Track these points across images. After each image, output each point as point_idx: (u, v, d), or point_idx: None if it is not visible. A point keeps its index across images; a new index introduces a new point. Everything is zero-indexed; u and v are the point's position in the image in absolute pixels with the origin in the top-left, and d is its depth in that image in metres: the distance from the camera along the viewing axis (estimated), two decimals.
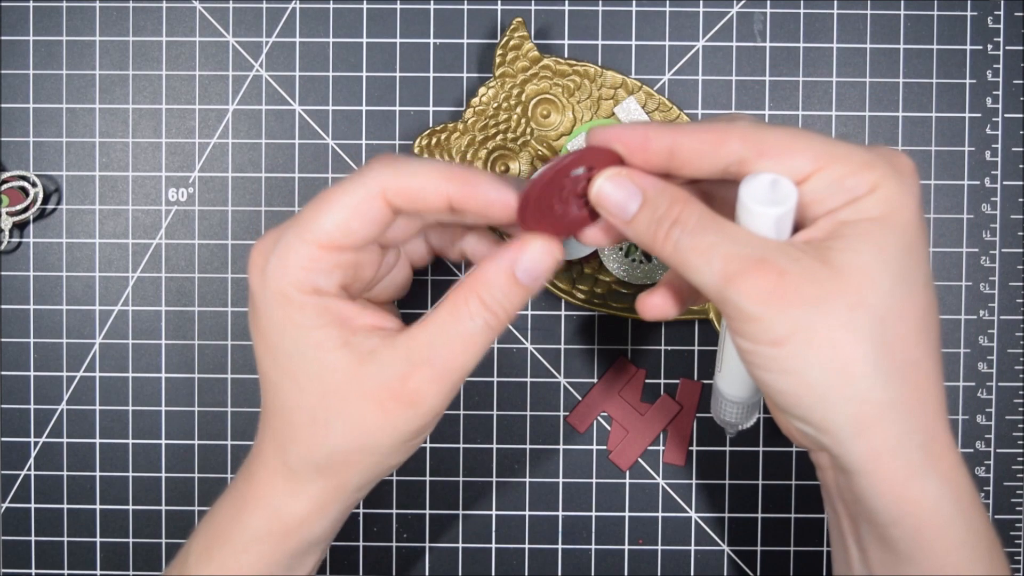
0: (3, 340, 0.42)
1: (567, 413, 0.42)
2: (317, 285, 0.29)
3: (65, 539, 0.42)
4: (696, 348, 0.41)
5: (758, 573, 0.41)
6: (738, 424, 0.36)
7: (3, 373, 0.42)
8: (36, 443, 0.42)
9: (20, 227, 0.42)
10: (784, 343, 0.25)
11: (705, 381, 0.41)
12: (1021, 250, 0.41)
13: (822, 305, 0.25)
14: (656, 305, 0.31)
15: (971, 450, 0.41)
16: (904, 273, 0.26)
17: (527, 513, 0.42)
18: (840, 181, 0.26)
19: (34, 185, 0.41)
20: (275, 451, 0.31)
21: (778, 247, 0.26)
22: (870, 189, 0.26)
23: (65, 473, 0.42)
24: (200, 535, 0.32)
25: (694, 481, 0.42)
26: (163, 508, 0.42)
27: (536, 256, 0.28)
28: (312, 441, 0.30)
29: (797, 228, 0.27)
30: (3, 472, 0.42)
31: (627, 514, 0.42)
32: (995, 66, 0.41)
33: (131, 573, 0.42)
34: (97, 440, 0.42)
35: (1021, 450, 0.41)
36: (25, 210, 0.41)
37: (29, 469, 0.42)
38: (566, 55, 0.41)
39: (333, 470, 0.30)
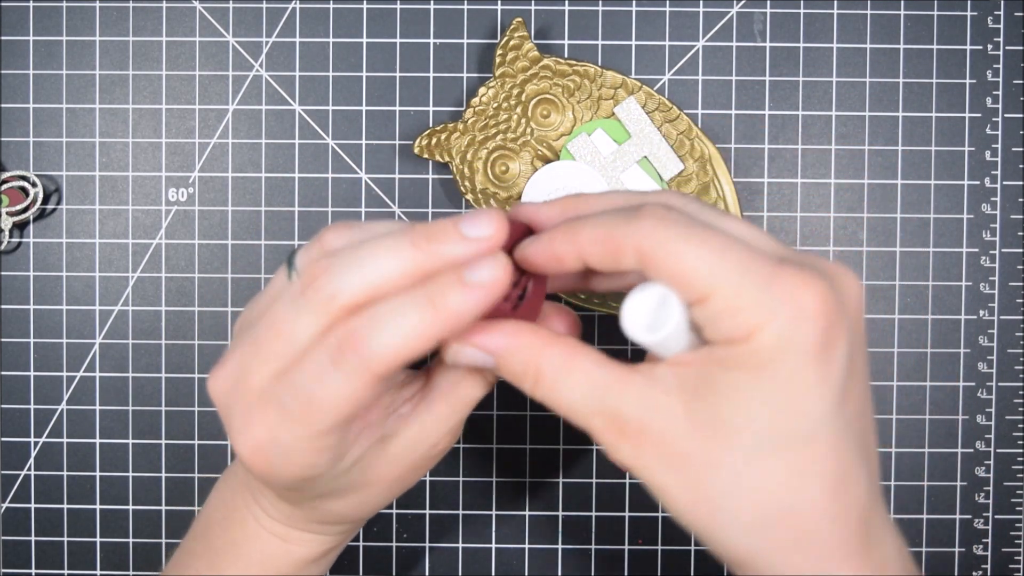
0: (3, 340, 0.42)
1: None
2: (330, 455, 0.27)
3: (65, 539, 0.42)
4: None
5: None
6: None
7: (3, 373, 0.42)
8: (36, 443, 0.42)
9: (20, 227, 0.42)
10: (652, 488, 0.25)
11: None
12: (1021, 250, 0.41)
13: (682, 470, 0.24)
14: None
15: (971, 450, 0.41)
16: (772, 432, 0.24)
17: (527, 513, 0.42)
18: (720, 317, 0.23)
19: (34, 185, 0.41)
20: (272, 508, 0.32)
21: (639, 393, 0.25)
22: (746, 335, 0.23)
23: (65, 473, 0.42)
24: (200, 556, 0.33)
25: None
26: (163, 508, 0.42)
27: (467, 353, 0.27)
28: (335, 509, 0.30)
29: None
30: (3, 472, 0.42)
31: (627, 514, 0.42)
32: (995, 66, 0.41)
33: (131, 573, 0.42)
34: (97, 440, 0.42)
35: (1021, 450, 0.41)
36: (25, 210, 0.41)
37: (29, 469, 0.42)
38: (566, 55, 0.41)
39: (366, 508, 0.31)
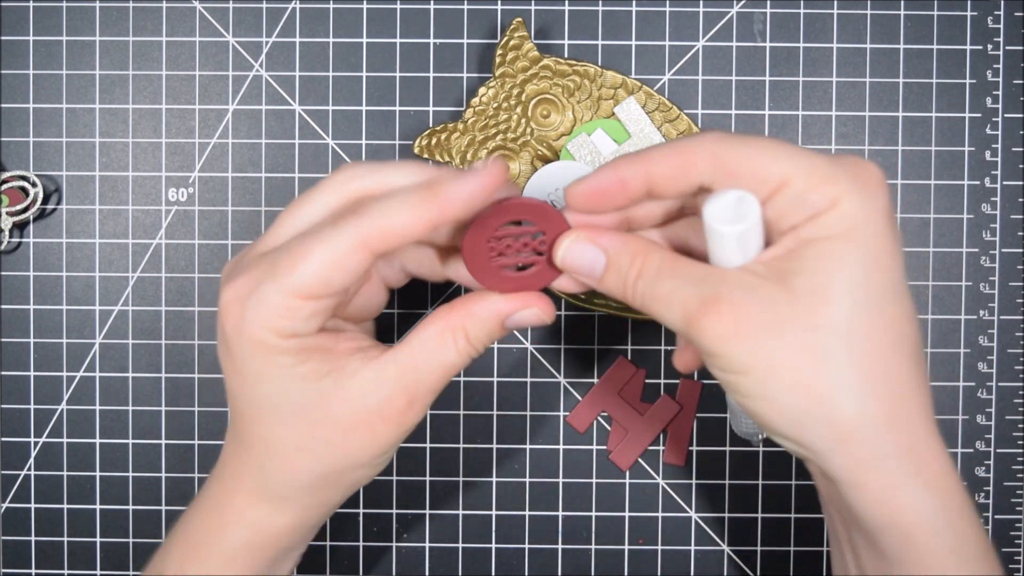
0: (3, 340, 0.42)
1: (567, 413, 0.42)
2: (296, 330, 0.29)
3: (65, 539, 0.42)
4: None
5: (758, 573, 0.41)
6: (757, 433, 0.36)
7: (3, 373, 0.42)
8: (36, 443, 0.42)
9: (20, 227, 0.42)
10: (748, 373, 0.26)
11: (705, 381, 0.41)
12: (1021, 250, 0.41)
13: (780, 331, 0.25)
14: (688, 361, 0.32)
15: (971, 450, 0.41)
16: (869, 289, 0.26)
17: (527, 513, 0.42)
18: (802, 196, 0.26)
19: (34, 185, 0.41)
20: (253, 476, 0.31)
21: (735, 278, 0.26)
22: (831, 204, 0.25)
23: (65, 473, 0.42)
24: (175, 546, 0.33)
25: (694, 481, 0.42)
26: (163, 508, 0.42)
27: (528, 316, 0.30)
28: (298, 467, 0.30)
29: (769, 243, 0.27)
30: (3, 472, 0.42)
31: (627, 514, 0.42)
32: (995, 66, 0.41)
33: (131, 573, 0.42)
34: (97, 440, 0.42)
35: (1021, 450, 0.41)
36: (25, 210, 0.41)
37: (29, 469, 0.42)
38: (566, 55, 0.41)
39: (319, 489, 0.31)
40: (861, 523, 0.27)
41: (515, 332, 0.41)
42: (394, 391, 0.29)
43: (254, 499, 0.31)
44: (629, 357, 0.41)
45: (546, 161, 0.40)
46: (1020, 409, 0.41)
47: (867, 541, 0.27)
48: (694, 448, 0.42)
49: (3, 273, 0.42)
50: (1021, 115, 0.41)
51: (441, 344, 0.30)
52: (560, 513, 0.42)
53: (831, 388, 0.25)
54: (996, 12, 0.41)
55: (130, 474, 0.42)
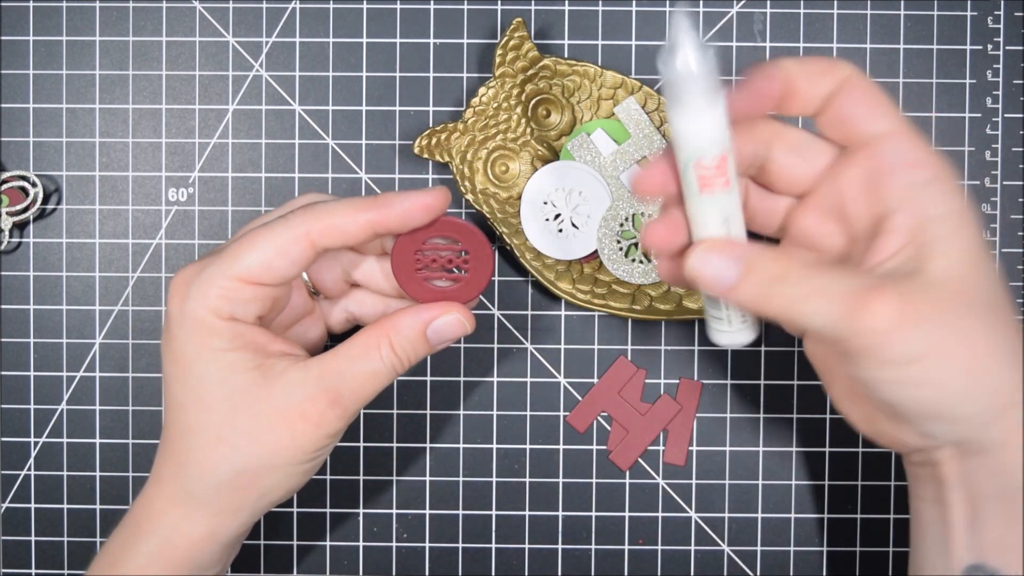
0: (3, 340, 0.42)
1: (567, 413, 0.42)
2: (234, 314, 0.30)
3: (65, 539, 0.42)
4: (696, 348, 0.41)
5: (758, 573, 0.41)
6: (744, 330, 0.32)
7: (3, 373, 0.42)
8: (36, 443, 0.42)
9: (20, 227, 0.42)
10: (921, 359, 0.26)
11: (705, 381, 0.41)
12: (1021, 250, 0.41)
13: (943, 315, 0.26)
14: (673, 271, 0.31)
15: None
16: (983, 260, 0.27)
17: (527, 513, 0.42)
18: (904, 155, 0.27)
19: (34, 185, 0.41)
20: (174, 475, 0.32)
21: (882, 271, 0.27)
22: (931, 179, 0.27)
23: (65, 473, 0.42)
24: (97, 562, 0.33)
25: (694, 481, 0.42)
26: None
27: (450, 323, 0.32)
28: (216, 459, 0.31)
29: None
30: (3, 472, 0.42)
31: (627, 514, 0.42)
32: (995, 66, 0.41)
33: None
34: (97, 440, 0.42)
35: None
36: (25, 210, 0.41)
37: (29, 469, 0.42)
38: (566, 55, 0.41)
39: (232, 490, 0.31)
40: (1009, 490, 0.28)
41: (514, 332, 0.41)
42: (315, 391, 0.31)
43: (170, 502, 0.32)
44: (629, 357, 0.41)
45: (546, 161, 0.40)
46: None
47: (1002, 513, 0.28)
48: (694, 448, 0.42)
49: (3, 273, 0.42)
50: (1021, 115, 0.41)
51: (365, 351, 0.31)
52: (560, 513, 0.42)
53: (997, 360, 0.27)
54: (996, 12, 0.41)
55: (130, 474, 0.42)
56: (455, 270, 0.32)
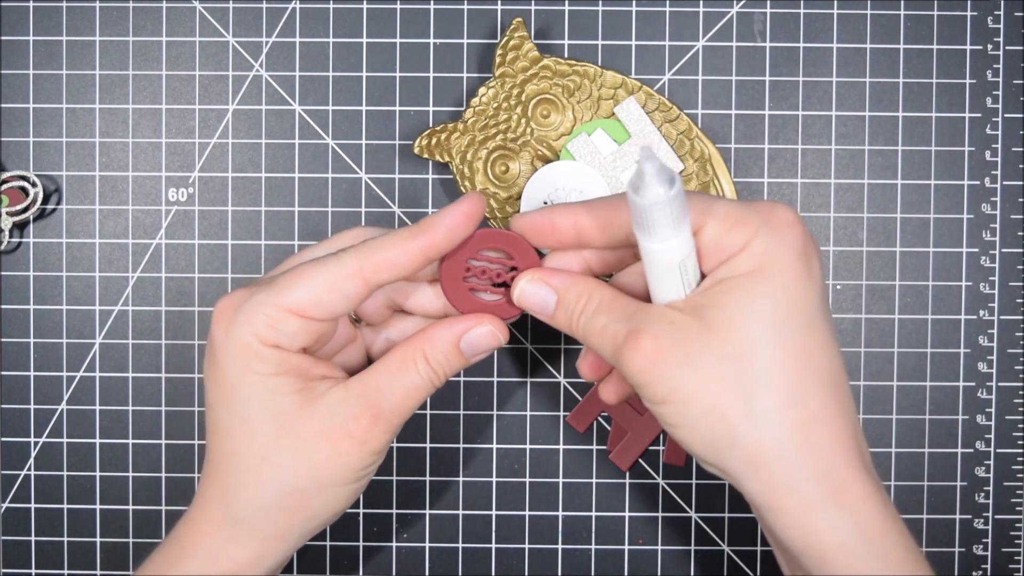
0: (3, 340, 0.42)
1: (567, 413, 0.42)
2: (279, 342, 0.30)
3: (65, 539, 0.42)
4: None
5: (758, 573, 0.41)
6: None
7: (3, 373, 0.42)
8: (36, 443, 0.42)
9: (20, 227, 0.42)
10: (667, 402, 0.28)
11: None
12: (1021, 250, 0.41)
13: (694, 362, 0.27)
14: (591, 366, 0.34)
15: (971, 450, 0.41)
16: (777, 322, 0.27)
17: (527, 513, 0.42)
18: (716, 241, 0.28)
19: (34, 185, 0.41)
20: (219, 499, 0.32)
21: (658, 313, 0.28)
22: (742, 245, 0.27)
23: (65, 473, 0.42)
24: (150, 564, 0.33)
25: (694, 481, 0.42)
26: (163, 508, 0.42)
27: (483, 335, 0.32)
28: (262, 481, 0.31)
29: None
30: (3, 472, 0.42)
31: (627, 514, 0.42)
32: (995, 66, 0.41)
33: (131, 573, 0.42)
34: (97, 440, 0.42)
35: (1021, 450, 0.41)
36: (25, 210, 0.41)
37: (29, 469, 0.42)
38: (566, 55, 0.41)
39: (279, 513, 0.31)
40: (783, 546, 0.28)
41: (514, 332, 0.41)
42: (358, 408, 0.31)
43: (215, 526, 0.32)
44: None
45: (546, 161, 0.40)
46: (1020, 409, 0.41)
47: (794, 563, 0.29)
48: None
49: (3, 273, 0.42)
50: (1021, 115, 0.41)
51: (403, 366, 0.31)
52: (560, 513, 0.42)
53: (742, 414, 0.27)
54: (996, 12, 0.41)
55: (130, 474, 0.42)
56: (505, 285, 0.32)
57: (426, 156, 0.40)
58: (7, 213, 0.41)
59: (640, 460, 0.42)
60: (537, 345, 0.42)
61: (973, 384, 0.41)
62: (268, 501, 0.31)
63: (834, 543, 0.27)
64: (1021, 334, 0.41)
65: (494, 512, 0.42)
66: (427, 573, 0.42)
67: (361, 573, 0.42)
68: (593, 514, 0.42)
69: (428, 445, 0.42)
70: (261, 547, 0.32)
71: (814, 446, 0.27)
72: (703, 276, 0.29)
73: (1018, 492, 0.41)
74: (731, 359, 0.27)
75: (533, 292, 0.31)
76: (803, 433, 0.27)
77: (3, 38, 0.41)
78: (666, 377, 0.27)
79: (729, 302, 0.27)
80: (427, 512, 0.42)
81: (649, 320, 0.28)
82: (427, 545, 0.42)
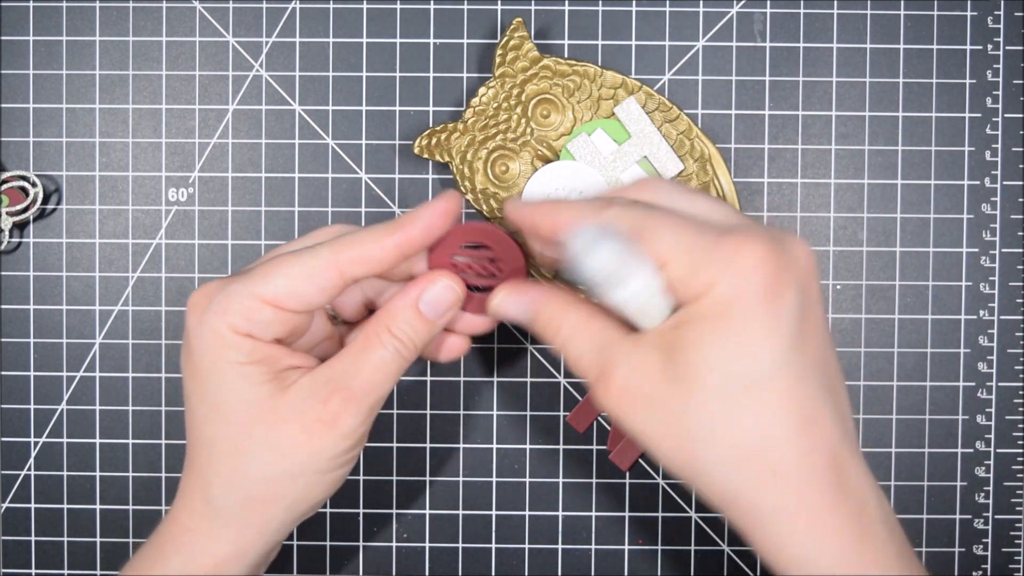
0: (3, 340, 0.42)
1: (567, 413, 0.42)
2: (252, 332, 0.30)
3: (65, 539, 0.42)
4: None
5: (757, 573, 0.41)
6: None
7: (3, 373, 0.42)
8: (36, 443, 0.42)
9: (20, 227, 0.42)
10: (639, 438, 0.28)
11: None
12: (1021, 250, 0.41)
13: (658, 411, 0.28)
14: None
15: (971, 450, 0.41)
16: (736, 374, 0.26)
17: (527, 513, 0.42)
18: (681, 279, 0.27)
19: (34, 185, 0.41)
20: (199, 489, 0.32)
21: (629, 349, 0.28)
22: (705, 288, 0.27)
23: (65, 473, 0.42)
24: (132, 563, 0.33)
25: None
26: (163, 508, 0.42)
27: (438, 291, 0.32)
28: (236, 470, 0.31)
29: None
30: (3, 472, 0.42)
31: (627, 514, 0.42)
32: (995, 66, 0.41)
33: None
34: (97, 440, 0.42)
35: (1021, 450, 0.41)
36: (25, 210, 0.41)
37: (29, 469, 0.42)
38: (566, 55, 0.41)
39: (256, 503, 0.31)
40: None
41: (514, 332, 0.41)
42: (326, 391, 0.31)
43: (196, 518, 0.32)
44: None
45: (546, 161, 0.40)
46: (1020, 409, 0.41)
47: None
48: None
49: (3, 273, 0.42)
50: (1021, 115, 0.41)
51: (367, 343, 0.31)
52: (560, 513, 0.42)
53: (702, 464, 0.28)
54: (996, 12, 0.41)
55: (130, 474, 0.42)
56: (493, 276, 0.33)
57: (426, 156, 0.40)
58: (7, 213, 0.41)
59: (640, 460, 0.42)
60: (537, 345, 0.42)
61: (973, 384, 0.41)
62: (243, 490, 0.31)
63: (808, 570, 0.27)
64: (1021, 334, 0.41)
65: (494, 512, 0.42)
66: (427, 573, 0.42)
67: (361, 573, 0.42)
68: (593, 514, 0.42)
69: (428, 445, 0.42)
70: (240, 539, 0.32)
71: (780, 488, 0.27)
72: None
73: (1018, 492, 0.41)
74: (690, 411, 0.27)
75: (508, 308, 0.32)
76: (763, 478, 0.27)
77: (3, 38, 0.41)
78: (635, 420, 0.28)
79: (694, 349, 0.27)
80: (427, 512, 0.42)
81: (618, 359, 0.28)
82: (427, 545, 0.42)
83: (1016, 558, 0.41)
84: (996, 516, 0.41)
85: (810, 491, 0.27)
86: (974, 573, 0.41)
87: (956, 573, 0.41)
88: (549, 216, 0.30)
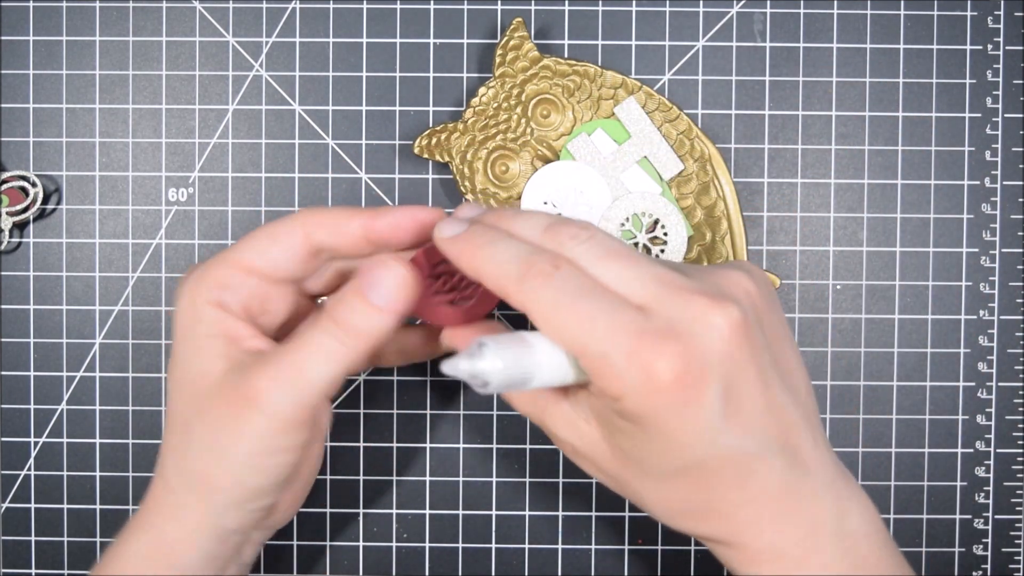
0: (3, 340, 0.42)
1: None
2: (222, 300, 0.31)
3: (65, 539, 0.42)
4: None
5: None
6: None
7: (3, 373, 0.42)
8: (36, 443, 0.42)
9: (20, 227, 0.42)
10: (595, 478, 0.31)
11: None
12: (1021, 250, 0.41)
13: (610, 477, 0.30)
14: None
15: (971, 450, 0.41)
16: (672, 461, 0.28)
17: (527, 513, 0.42)
18: (592, 375, 0.27)
19: (34, 185, 0.41)
20: (163, 468, 0.32)
21: (570, 412, 0.30)
22: (616, 397, 0.27)
23: (65, 473, 0.42)
24: (100, 563, 0.33)
25: None
26: None
27: (379, 274, 0.30)
28: (180, 448, 0.31)
29: None
30: (3, 472, 0.42)
31: (627, 514, 0.42)
32: (995, 66, 0.41)
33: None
34: (97, 440, 0.42)
35: (1021, 450, 0.41)
36: (25, 210, 0.41)
37: (29, 469, 0.42)
38: (566, 55, 0.41)
39: (198, 480, 0.31)
40: None
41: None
42: (258, 373, 0.30)
43: (158, 495, 0.32)
44: None
45: (546, 161, 0.40)
46: (1020, 409, 0.41)
47: None
48: None
49: (3, 273, 0.42)
50: (1021, 115, 0.41)
51: (308, 325, 0.31)
52: (560, 513, 0.42)
53: (653, 514, 0.30)
54: (996, 12, 0.41)
55: (130, 474, 0.42)
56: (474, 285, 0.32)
57: (426, 156, 0.40)
58: (7, 213, 0.41)
59: None
60: None
61: (973, 384, 0.41)
62: (186, 465, 0.31)
63: None
64: (1021, 334, 0.41)
65: (494, 512, 0.42)
66: (427, 573, 0.42)
67: (361, 573, 0.42)
68: (593, 514, 0.42)
69: (428, 445, 0.42)
70: (192, 520, 0.31)
71: (722, 532, 0.29)
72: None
73: (1018, 492, 0.41)
74: (636, 486, 0.29)
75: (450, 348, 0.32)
76: (712, 528, 0.29)
77: (3, 38, 0.41)
78: (588, 471, 0.31)
79: (624, 442, 0.29)
80: (427, 512, 0.42)
81: (561, 428, 0.30)
82: (427, 545, 0.42)
83: (1016, 558, 0.41)
84: (996, 516, 0.41)
85: (750, 531, 0.28)
86: (974, 573, 0.41)
87: (956, 573, 0.41)
88: (472, 265, 0.29)
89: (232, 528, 0.32)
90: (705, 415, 0.27)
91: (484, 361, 0.27)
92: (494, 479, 0.42)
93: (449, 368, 0.27)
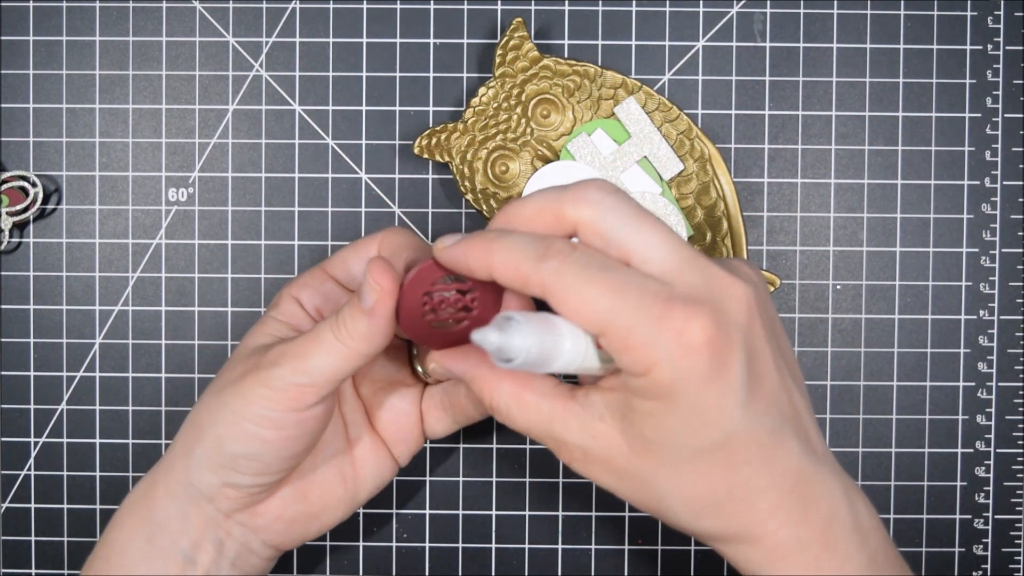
0: (3, 340, 0.42)
1: None
2: (300, 296, 0.36)
3: (65, 539, 0.42)
4: None
5: None
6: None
7: (3, 373, 0.42)
8: (36, 443, 0.42)
9: (20, 227, 0.42)
10: (608, 490, 0.30)
11: None
12: (1021, 250, 0.41)
13: (626, 474, 0.29)
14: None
15: (971, 450, 0.41)
16: (698, 440, 0.27)
17: (527, 513, 0.42)
18: (618, 353, 0.27)
19: (34, 185, 0.41)
20: (172, 458, 0.34)
21: (581, 415, 0.29)
22: (645, 370, 0.26)
23: (65, 473, 0.42)
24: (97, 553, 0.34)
25: None
26: None
27: (368, 286, 0.30)
28: (202, 400, 0.34)
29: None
30: (3, 472, 0.42)
31: (627, 514, 0.42)
32: (995, 66, 0.41)
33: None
34: (97, 440, 0.42)
35: (1021, 450, 0.41)
36: (25, 210, 0.41)
37: (29, 469, 0.42)
38: (566, 55, 0.41)
39: (192, 430, 0.33)
40: None
41: None
42: (264, 356, 0.32)
43: (165, 483, 0.33)
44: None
45: (546, 161, 0.40)
46: (1020, 409, 0.41)
47: None
48: None
49: (3, 273, 0.42)
50: (1021, 115, 0.41)
51: (316, 327, 0.32)
52: (560, 513, 0.42)
53: (670, 514, 0.29)
54: (996, 12, 0.41)
55: (130, 474, 0.42)
56: (467, 308, 0.31)
57: (426, 156, 0.40)
58: (7, 213, 0.41)
59: None
60: None
61: (973, 384, 0.41)
62: (195, 415, 0.33)
63: None
64: (1021, 334, 0.41)
65: (494, 512, 0.42)
66: (427, 573, 0.42)
67: (361, 573, 0.42)
68: (593, 514, 0.42)
69: (428, 445, 0.42)
70: (179, 471, 0.33)
71: (741, 526, 0.28)
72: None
73: (1018, 492, 0.41)
74: (656, 477, 0.28)
75: (441, 374, 0.33)
76: (731, 523, 0.28)
77: (3, 38, 0.41)
78: (602, 480, 0.30)
79: (649, 424, 0.27)
80: (427, 512, 0.42)
81: (573, 433, 0.29)
82: (427, 545, 0.42)
83: (1016, 558, 0.41)
84: (996, 516, 0.41)
85: (773, 520, 0.28)
86: (974, 573, 0.41)
87: (956, 573, 0.41)
88: (483, 259, 0.28)
89: (201, 489, 0.33)
90: (734, 384, 0.27)
91: (517, 337, 0.26)
92: (494, 479, 0.42)
93: (478, 336, 0.26)
